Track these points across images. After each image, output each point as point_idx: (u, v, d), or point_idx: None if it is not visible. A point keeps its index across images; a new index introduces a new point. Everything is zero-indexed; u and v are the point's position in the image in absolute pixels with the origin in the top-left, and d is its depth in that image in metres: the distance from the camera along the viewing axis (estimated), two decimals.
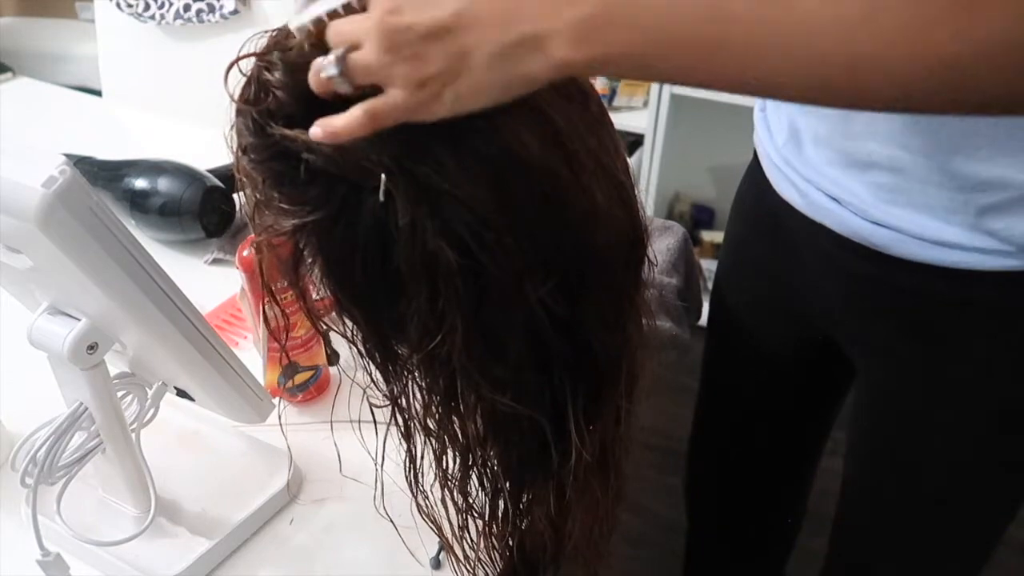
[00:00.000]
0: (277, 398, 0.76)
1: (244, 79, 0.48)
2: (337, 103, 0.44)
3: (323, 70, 0.43)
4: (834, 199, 0.71)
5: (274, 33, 0.49)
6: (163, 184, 1.01)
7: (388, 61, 0.41)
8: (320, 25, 0.45)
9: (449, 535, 0.60)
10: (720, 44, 0.40)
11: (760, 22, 0.39)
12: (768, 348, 0.92)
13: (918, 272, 0.67)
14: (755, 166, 0.85)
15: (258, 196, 0.49)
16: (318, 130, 0.43)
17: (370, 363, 0.53)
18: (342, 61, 0.42)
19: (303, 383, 0.81)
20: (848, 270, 0.74)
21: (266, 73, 0.46)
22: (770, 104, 0.80)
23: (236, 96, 0.48)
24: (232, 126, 0.49)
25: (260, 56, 0.47)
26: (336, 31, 0.44)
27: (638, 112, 2.08)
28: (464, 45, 0.41)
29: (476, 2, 0.41)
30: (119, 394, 0.63)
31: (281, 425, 0.64)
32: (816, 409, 0.99)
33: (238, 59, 0.48)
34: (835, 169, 0.70)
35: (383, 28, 0.41)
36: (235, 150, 0.49)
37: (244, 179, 0.50)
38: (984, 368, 0.71)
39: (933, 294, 0.69)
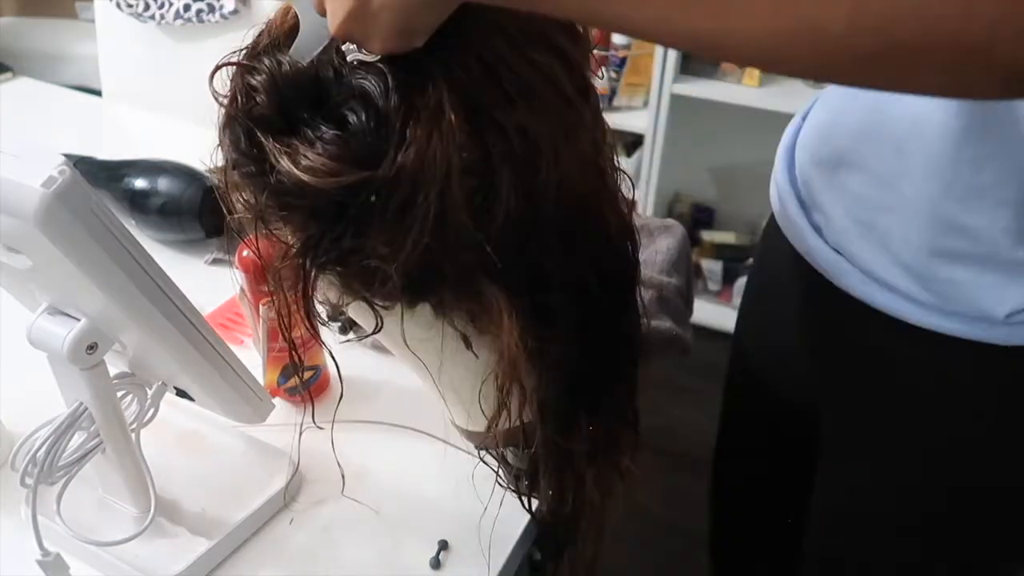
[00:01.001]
0: (276, 398, 0.76)
1: (231, 89, 0.48)
2: (312, 109, 0.45)
3: None
4: (806, 209, 0.70)
5: (256, 35, 0.50)
6: (163, 184, 1.01)
7: None
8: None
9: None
10: None
11: None
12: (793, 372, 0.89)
13: (858, 311, 0.66)
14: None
15: (254, 205, 0.49)
16: None
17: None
18: None
19: (301, 384, 0.81)
20: (807, 299, 0.73)
21: (249, 76, 0.47)
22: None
23: (227, 105, 0.48)
24: (216, 145, 0.49)
25: (243, 63, 0.48)
26: None
27: (638, 112, 2.09)
28: None
29: None
30: (119, 394, 0.63)
31: (298, 426, 0.63)
32: None
33: (219, 66, 0.49)
34: (818, 171, 0.69)
35: None
36: (223, 168, 0.50)
37: (236, 192, 0.50)
38: (916, 421, 0.69)
39: (868, 341, 0.68)
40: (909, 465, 0.71)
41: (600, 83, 2.11)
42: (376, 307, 0.53)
